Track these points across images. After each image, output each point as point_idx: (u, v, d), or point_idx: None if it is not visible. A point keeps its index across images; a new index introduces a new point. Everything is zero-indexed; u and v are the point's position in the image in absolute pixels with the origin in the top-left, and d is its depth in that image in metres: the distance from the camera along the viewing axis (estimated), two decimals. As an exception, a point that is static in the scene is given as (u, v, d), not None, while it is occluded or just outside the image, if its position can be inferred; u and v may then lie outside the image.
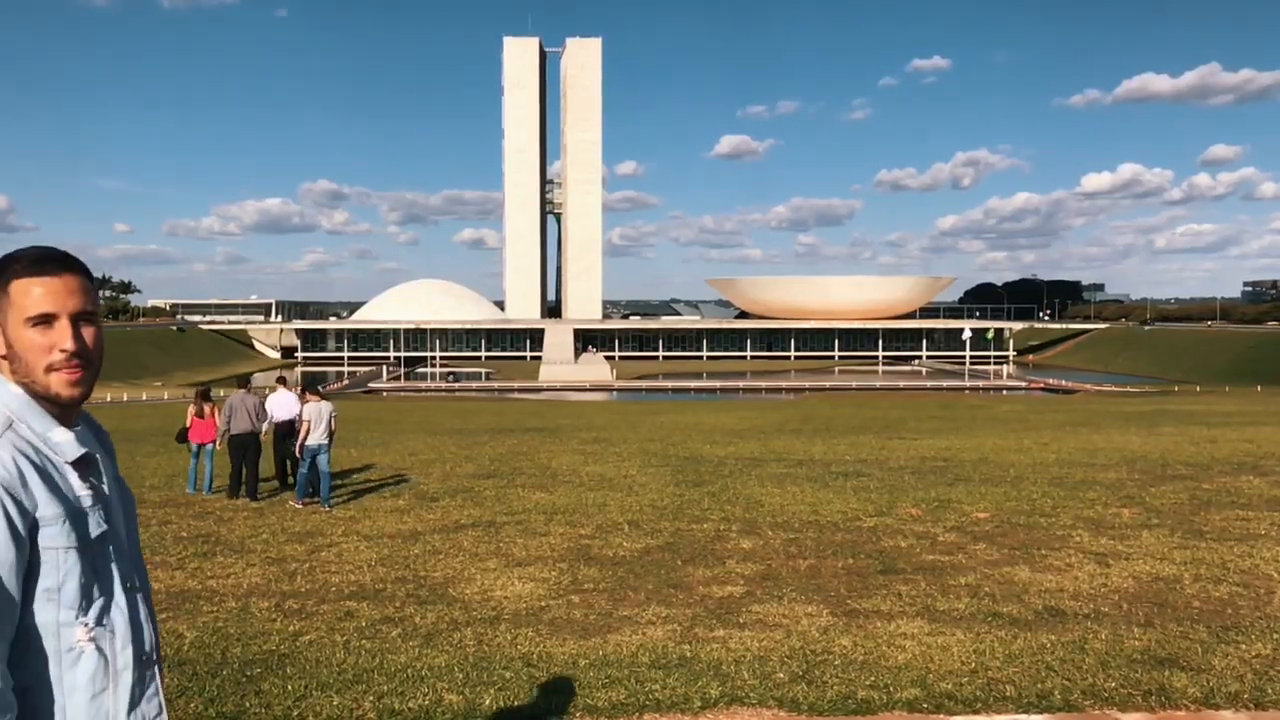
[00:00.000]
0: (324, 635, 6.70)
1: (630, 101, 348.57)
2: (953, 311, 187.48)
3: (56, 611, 1.92)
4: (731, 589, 7.83)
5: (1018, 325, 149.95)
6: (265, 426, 14.87)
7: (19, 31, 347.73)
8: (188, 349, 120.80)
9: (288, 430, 15.04)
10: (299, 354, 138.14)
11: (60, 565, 1.91)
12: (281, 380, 16.75)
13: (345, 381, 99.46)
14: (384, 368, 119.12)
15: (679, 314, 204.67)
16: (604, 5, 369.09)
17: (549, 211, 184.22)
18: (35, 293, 1.93)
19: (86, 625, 1.95)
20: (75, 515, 1.94)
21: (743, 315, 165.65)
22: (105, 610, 1.98)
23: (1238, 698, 5.30)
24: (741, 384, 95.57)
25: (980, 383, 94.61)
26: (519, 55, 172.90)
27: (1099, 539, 9.60)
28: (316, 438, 13.40)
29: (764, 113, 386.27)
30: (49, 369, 1.94)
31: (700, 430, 28.09)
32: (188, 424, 15.25)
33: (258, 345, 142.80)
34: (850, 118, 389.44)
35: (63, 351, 1.93)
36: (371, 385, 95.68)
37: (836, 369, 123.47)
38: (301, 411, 13.92)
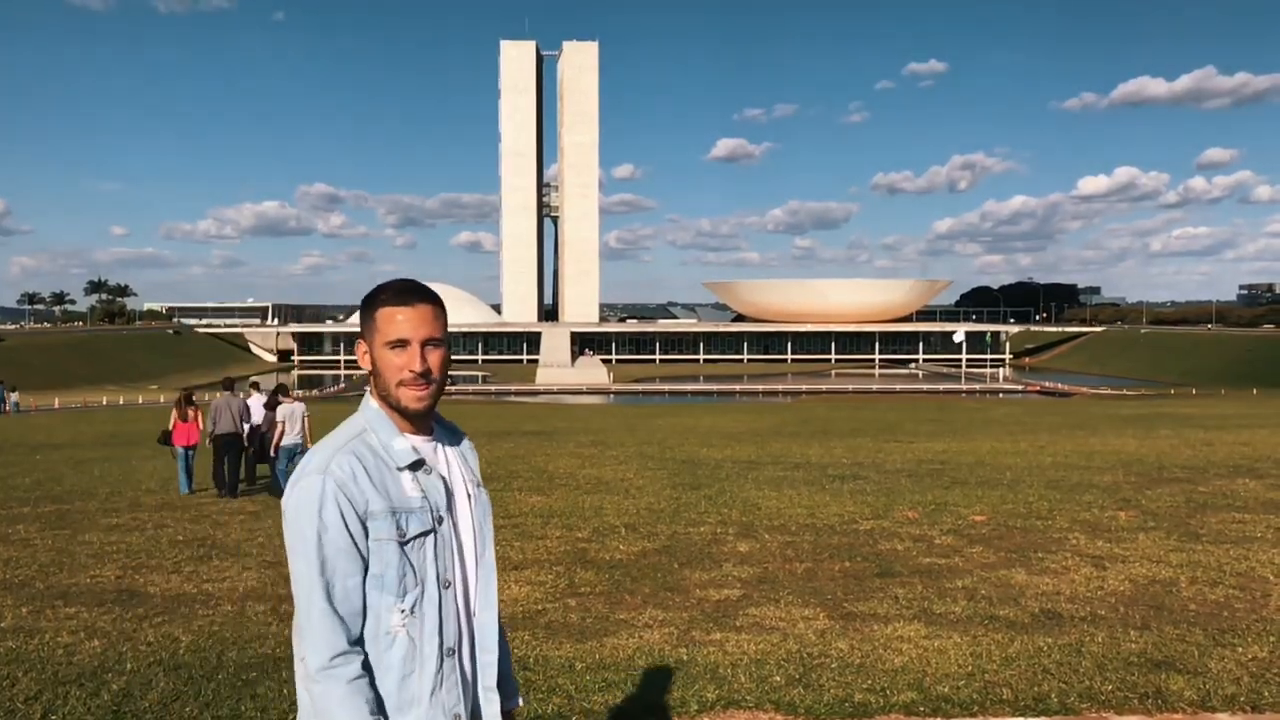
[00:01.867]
0: (320, 639, 6.67)
1: (627, 105, 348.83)
2: (949, 315, 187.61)
3: (380, 596, 2.22)
4: (728, 592, 7.82)
5: (1014, 328, 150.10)
6: (247, 428, 15.13)
7: (16, 34, 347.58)
8: (184, 352, 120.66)
9: (254, 433, 15.39)
10: (295, 357, 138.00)
11: (383, 556, 2.22)
12: (254, 386, 17.02)
13: (342, 385, 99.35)
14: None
15: (676, 317, 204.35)
16: (601, 9, 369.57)
17: (546, 215, 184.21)
18: (396, 320, 2.28)
19: (403, 611, 2.23)
20: (397, 513, 2.23)
21: (739, 318, 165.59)
22: (419, 601, 2.25)
23: (1234, 700, 5.30)
24: (738, 387, 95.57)
25: (977, 386, 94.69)
26: (516, 59, 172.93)
27: (1095, 542, 9.60)
28: (292, 437, 13.70)
29: (760, 116, 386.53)
30: (399, 384, 2.28)
31: (697, 433, 28.08)
32: (170, 426, 15.56)
33: (254, 348, 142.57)
34: (847, 121, 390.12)
35: (411, 372, 2.27)
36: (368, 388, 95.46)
37: (833, 372, 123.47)
38: (275, 413, 14.18)
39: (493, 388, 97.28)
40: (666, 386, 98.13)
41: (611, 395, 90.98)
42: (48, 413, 50.13)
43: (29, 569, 9.16)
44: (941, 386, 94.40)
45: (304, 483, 2.23)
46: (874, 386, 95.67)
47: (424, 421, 2.37)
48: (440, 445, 2.43)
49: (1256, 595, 7.48)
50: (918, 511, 11.63)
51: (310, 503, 2.20)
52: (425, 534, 2.27)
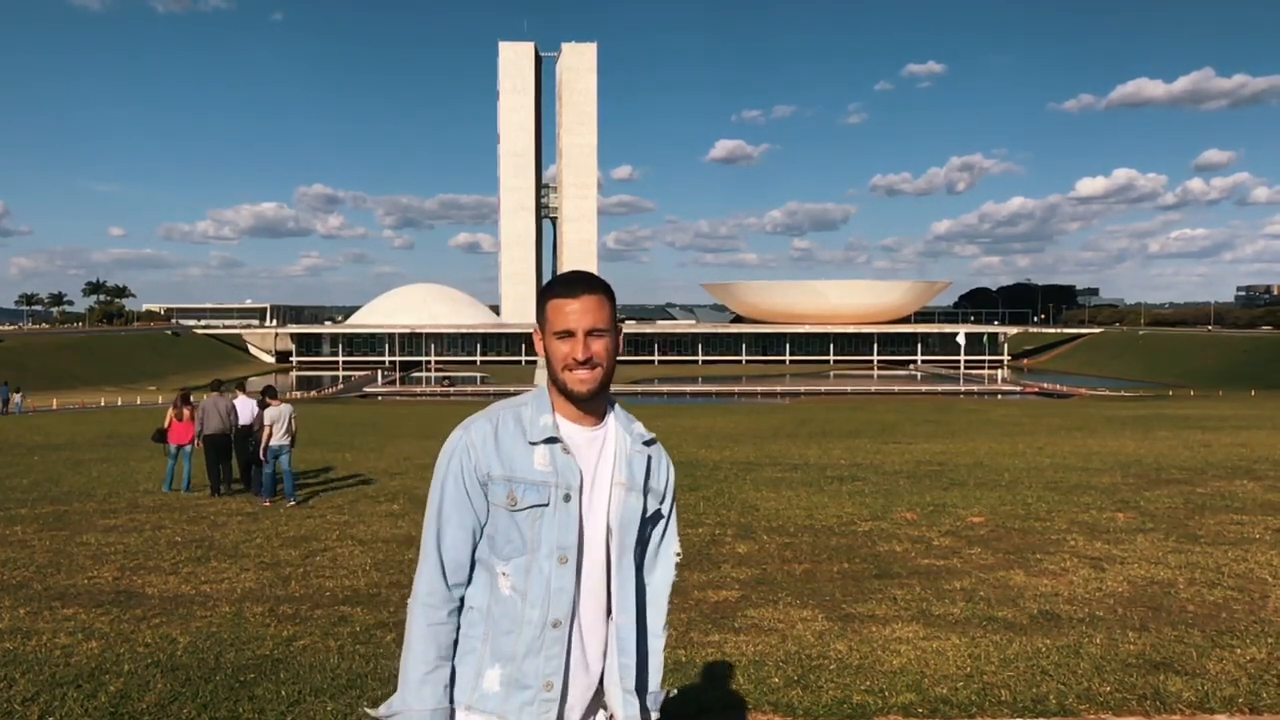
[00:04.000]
0: (318, 640, 6.67)
1: (626, 106, 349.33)
2: (947, 316, 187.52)
3: (489, 554, 2.40)
4: (727, 593, 7.82)
5: (1012, 329, 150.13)
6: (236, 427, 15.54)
7: (13, 35, 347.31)
8: (183, 353, 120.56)
9: (245, 433, 15.48)
10: (294, 358, 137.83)
11: (495, 519, 2.39)
12: (240, 387, 17.43)
13: (340, 386, 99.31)
14: (379, 372, 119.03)
15: (674, 318, 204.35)
16: (600, 10, 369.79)
17: (544, 216, 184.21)
18: (563, 312, 2.41)
19: (505, 575, 2.38)
20: (514, 482, 2.37)
21: (738, 319, 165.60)
22: (525, 570, 2.37)
23: (1233, 702, 5.29)
24: (737, 388, 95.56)
25: (975, 387, 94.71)
26: (514, 60, 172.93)
27: (1094, 543, 9.60)
28: (278, 439, 13.99)
29: (759, 117, 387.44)
30: (564, 369, 2.41)
31: (696, 434, 28.09)
32: (166, 425, 15.97)
33: (252, 349, 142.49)
34: (845, 122, 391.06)
35: (574, 359, 2.40)
36: (366, 389, 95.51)
37: (831, 373, 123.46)
38: (263, 415, 14.46)
39: (491, 389, 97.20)
40: (665, 388, 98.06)
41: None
42: (46, 413, 50.10)
43: (27, 570, 9.15)
44: (940, 388, 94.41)
45: (452, 434, 2.44)
46: (872, 388, 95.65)
47: (590, 407, 2.46)
48: (605, 438, 2.49)
49: (1255, 596, 7.48)
50: (916, 513, 11.63)
51: (446, 452, 2.42)
52: (540, 506, 2.36)
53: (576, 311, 2.40)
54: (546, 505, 2.36)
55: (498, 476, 2.37)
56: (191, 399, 16.48)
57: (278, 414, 14.14)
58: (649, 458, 2.53)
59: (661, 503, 2.57)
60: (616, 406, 2.55)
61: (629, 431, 2.52)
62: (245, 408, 15.78)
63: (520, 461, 2.38)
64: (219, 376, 18.50)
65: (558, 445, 2.40)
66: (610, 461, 2.46)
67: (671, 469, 2.62)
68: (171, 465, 15.65)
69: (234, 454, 15.48)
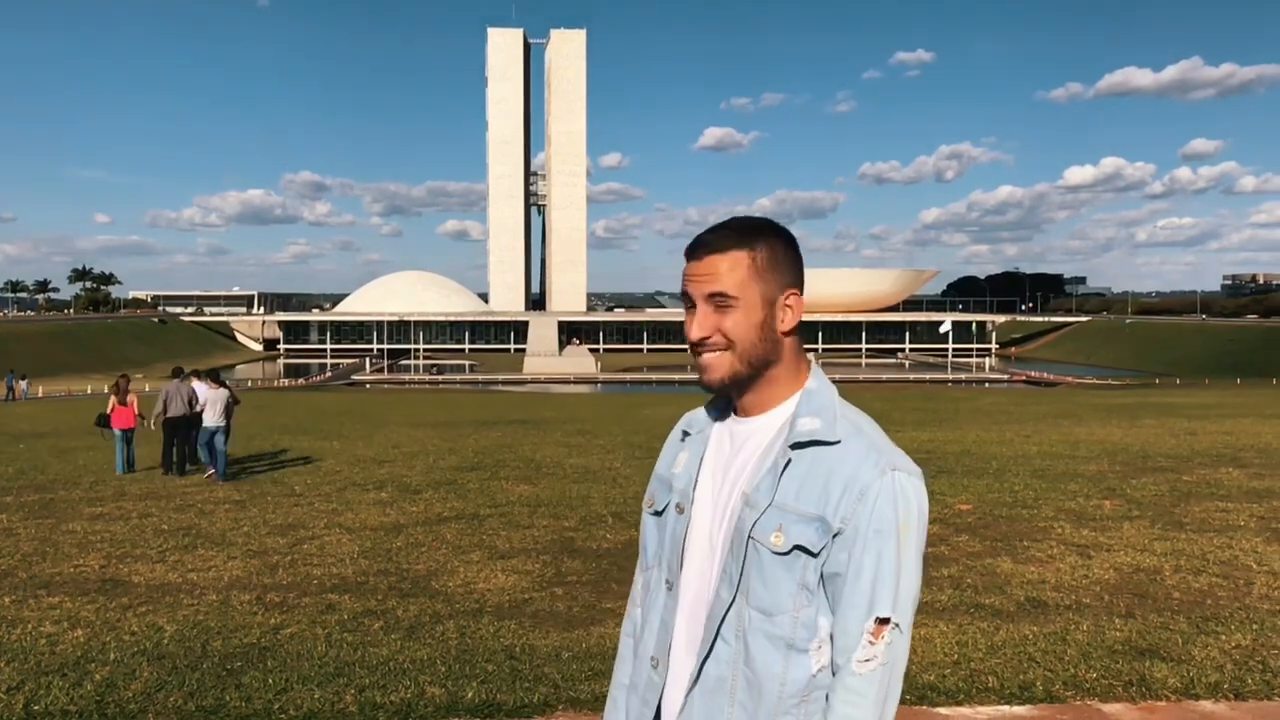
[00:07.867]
0: (305, 628, 6.65)
1: (615, 93, 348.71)
2: (936, 304, 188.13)
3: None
4: (715, 581, 7.81)
5: (1000, 318, 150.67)
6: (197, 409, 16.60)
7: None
8: (169, 341, 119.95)
9: (198, 417, 16.56)
10: (281, 346, 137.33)
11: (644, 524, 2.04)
12: (195, 373, 18.29)
13: (328, 374, 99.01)
14: (367, 360, 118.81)
15: (663, 306, 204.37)
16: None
17: (533, 203, 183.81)
18: (685, 278, 1.88)
19: (640, 588, 2.02)
20: (659, 479, 2.01)
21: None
22: (648, 588, 1.98)
23: (1218, 688, 5.32)
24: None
25: (963, 375, 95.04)
26: (503, 46, 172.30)
27: (1080, 530, 9.64)
28: (212, 419, 15.28)
29: (748, 105, 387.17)
30: (693, 353, 1.87)
31: (684, 422, 27.99)
32: (109, 410, 16.72)
33: (240, 337, 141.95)
34: (834, 110, 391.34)
35: (690, 339, 1.85)
36: (354, 377, 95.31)
37: (820, 361, 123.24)
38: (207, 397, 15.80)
39: (480, 377, 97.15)
40: (654, 375, 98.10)
41: (599, 384, 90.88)
42: (32, 401, 49.82)
43: (11, 558, 9.10)
44: (928, 376, 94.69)
45: None
46: (861, 376, 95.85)
47: (742, 397, 1.88)
48: (762, 431, 1.86)
49: (1240, 583, 7.52)
50: (904, 500, 11.65)
51: None
52: (658, 514, 1.97)
53: (695, 275, 1.85)
54: (663, 514, 1.94)
55: (658, 473, 2.02)
56: (129, 385, 17.29)
57: (214, 397, 15.38)
58: (789, 463, 1.76)
59: (825, 539, 1.70)
60: (814, 390, 1.86)
61: (792, 425, 1.81)
62: (201, 391, 16.70)
63: (668, 459, 2.00)
64: (177, 365, 19.15)
65: (692, 441, 1.97)
66: (739, 463, 1.85)
67: (877, 499, 1.69)
68: (120, 449, 16.20)
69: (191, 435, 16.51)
